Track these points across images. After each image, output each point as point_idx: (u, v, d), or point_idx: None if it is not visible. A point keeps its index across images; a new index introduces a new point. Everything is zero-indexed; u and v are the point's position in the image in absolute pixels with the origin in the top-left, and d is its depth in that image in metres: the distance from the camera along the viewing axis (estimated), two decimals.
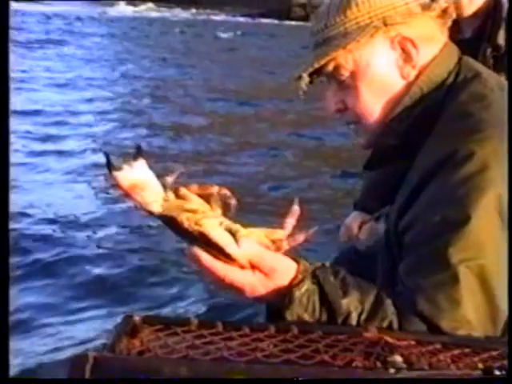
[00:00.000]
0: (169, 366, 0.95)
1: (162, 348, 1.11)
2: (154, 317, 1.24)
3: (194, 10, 33.38)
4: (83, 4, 32.30)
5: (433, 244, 1.47)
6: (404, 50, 1.61)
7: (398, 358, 1.01)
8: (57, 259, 4.64)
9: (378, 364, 1.06)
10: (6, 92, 1.51)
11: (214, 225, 1.30)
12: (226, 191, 1.32)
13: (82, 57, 15.25)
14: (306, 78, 1.62)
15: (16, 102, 9.71)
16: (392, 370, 0.95)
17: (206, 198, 1.33)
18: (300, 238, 1.37)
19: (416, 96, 1.62)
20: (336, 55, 1.60)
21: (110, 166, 1.28)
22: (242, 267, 1.32)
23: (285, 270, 1.37)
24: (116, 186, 1.30)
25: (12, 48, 15.51)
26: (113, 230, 5.28)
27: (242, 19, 30.09)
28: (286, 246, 1.36)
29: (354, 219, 2.48)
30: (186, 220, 1.29)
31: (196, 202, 1.32)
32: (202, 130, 9.08)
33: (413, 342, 1.16)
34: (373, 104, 1.64)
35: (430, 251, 1.47)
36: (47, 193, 6.13)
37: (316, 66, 1.61)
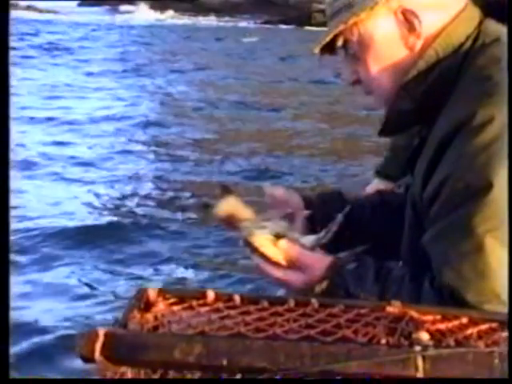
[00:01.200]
0: (183, 343, 0.90)
1: (176, 323, 1.06)
2: (168, 290, 1.19)
3: (214, 18, 33.50)
4: (105, 12, 32.30)
5: (456, 213, 1.43)
6: (407, 21, 1.57)
7: (424, 335, 0.96)
8: None
9: (403, 341, 1.01)
10: (6, 94, 1.48)
11: (262, 239, 1.63)
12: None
13: (103, 65, 15.16)
14: (318, 53, 1.64)
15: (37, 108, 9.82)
16: (418, 348, 0.89)
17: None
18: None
19: (431, 60, 1.58)
20: (342, 29, 1.60)
21: (205, 206, 1.87)
22: (287, 266, 1.60)
23: (316, 267, 1.58)
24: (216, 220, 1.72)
25: (34, 55, 15.61)
26: None
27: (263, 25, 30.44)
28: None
29: (375, 187, 2.43)
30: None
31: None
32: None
33: (438, 317, 1.10)
34: (381, 75, 1.62)
35: (454, 221, 1.43)
36: None
37: (324, 41, 1.62)
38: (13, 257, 4.37)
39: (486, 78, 1.51)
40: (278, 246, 1.60)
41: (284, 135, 9.06)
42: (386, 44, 1.60)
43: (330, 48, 1.65)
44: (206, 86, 13.07)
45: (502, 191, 1.40)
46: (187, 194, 6.22)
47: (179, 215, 5.61)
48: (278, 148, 8.24)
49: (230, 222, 1.70)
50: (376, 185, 2.46)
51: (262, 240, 1.62)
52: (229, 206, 1.71)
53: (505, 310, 1.32)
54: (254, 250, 1.63)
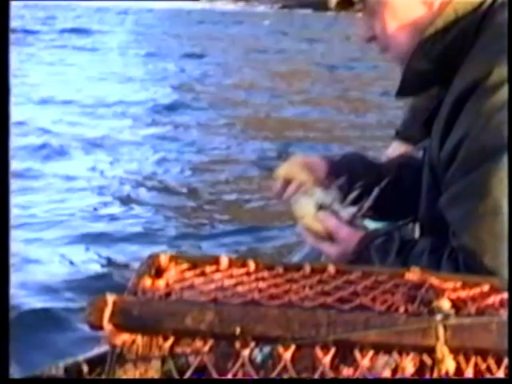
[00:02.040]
0: (195, 310, 0.87)
1: (188, 290, 1.03)
2: (181, 255, 1.16)
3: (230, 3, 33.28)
4: None
5: (473, 175, 1.39)
6: None
7: (446, 303, 0.92)
8: None
9: (423, 309, 0.98)
10: (6, 90, 1.44)
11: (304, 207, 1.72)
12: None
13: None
14: (334, 7, 1.65)
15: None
16: (439, 316, 0.86)
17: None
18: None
19: (450, 18, 1.53)
20: None
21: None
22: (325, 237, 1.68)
23: (348, 240, 1.64)
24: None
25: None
26: None
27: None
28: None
29: (395, 150, 2.39)
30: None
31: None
32: None
33: (459, 285, 1.07)
34: (398, 32, 1.58)
35: (470, 183, 1.40)
36: None
37: None
38: None
39: (504, 36, 1.46)
40: (317, 217, 1.69)
41: (297, 122, 9.05)
42: (404, 0, 1.56)
43: (347, 2, 1.61)
44: (222, 70, 13.04)
45: None
46: None
47: None
48: (290, 134, 8.24)
49: (287, 182, 1.81)
50: (395, 147, 2.42)
51: (305, 208, 1.72)
52: (289, 166, 1.84)
53: None
54: (297, 218, 1.74)
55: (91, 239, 5.01)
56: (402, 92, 1.67)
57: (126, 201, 5.90)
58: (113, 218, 5.51)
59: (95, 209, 5.69)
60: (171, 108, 9.77)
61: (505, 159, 1.36)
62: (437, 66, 1.57)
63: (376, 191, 1.70)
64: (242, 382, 0.91)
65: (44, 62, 12.68)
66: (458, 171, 1.44)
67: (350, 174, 1.78)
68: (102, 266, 4.63)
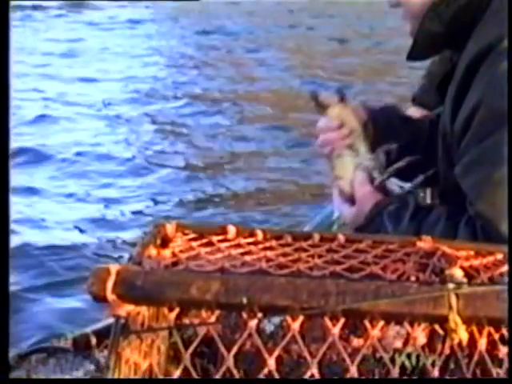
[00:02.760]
0: (200, 281, 0.85)
1: (195, 259, 1.01)
2: (187, 225, 1.13)
3: None
4: None
5: (487, 142, 1.36)
6: None
7: (458, 271, 0.90)
8: None
9: (435, 277, 0.95)
10: (5, 86, 1.41)
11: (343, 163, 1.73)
12: None
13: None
14: None
15: None
16: (451, 285, 0.83)
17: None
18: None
19: None
20: None
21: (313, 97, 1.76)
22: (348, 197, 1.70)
23: (365, 203, 1.63)
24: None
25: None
26: None
27: None
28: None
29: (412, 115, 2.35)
30: None
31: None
32: None
33: (472, 253, 1.04)
34: None
35: (484, 150, 1.36)
36: None
37: None
38: None
39: None
40: (352, 181, 1.69)
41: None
42: None
43: None
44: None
45: None
46: None
47: None
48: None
49: (338, 125, 1.74)
50: (412, 113, 2.38)
51: (345, 169, 1.72)
52: (341, 110, 1.76)
53: None
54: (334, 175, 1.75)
55: None
56: (413, 54, 1.63)
57: None
58: None
59: None
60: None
61: None
62: (449, 28, 1.53)
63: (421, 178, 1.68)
64: (241, 382, 0.89)
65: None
66: (473, 139, 1.41)
67: (387, 126, 1.74)
68: None
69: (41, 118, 7.33)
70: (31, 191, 5.18)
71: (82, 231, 4.55)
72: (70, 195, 5.20)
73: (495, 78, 1.37)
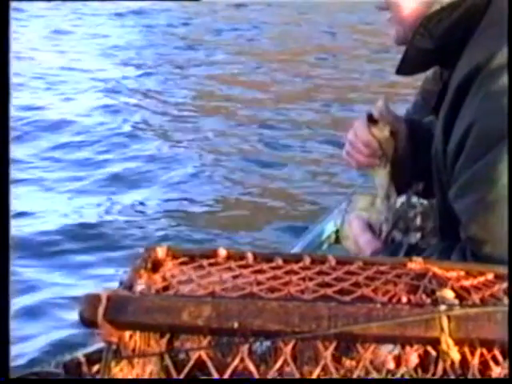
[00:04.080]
0: (191, 306, 0.85)
1: (186, 283, 1.01)
2: (178, 248, 1.13)
3: None
4: None
5: (480, 164, 1.35)
6: None
7: (449, 293, 0.90)
8: None
9: (426, 299, 0.95)
10: (6, 84, 1.41)
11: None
12: None
13: None
14: None
15: None
16: (442, 307, 0.83)
17: None
18: None
19: None
20: None
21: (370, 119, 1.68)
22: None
23: (364, 250, 1.67)
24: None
25: None
26: None
27: None
28: None
29: None
30: None
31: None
32: None
33: (463, 274, 1.04)
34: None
35: (477, 172, 1.35)
36: None
37: None
38: None
39: (506, 18, 1.41)
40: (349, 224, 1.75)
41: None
42: None
43: None
44: None
45: None
46: None
47: None
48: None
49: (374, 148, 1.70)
50: None
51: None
52: (386, 137, 1.70)
53: None
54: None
55: None
56: (402, 69, 1.62)
57: None
58: None
59: None
60: None
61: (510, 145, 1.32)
62: (440, 45, 1.51)
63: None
64: (241, 382, 0.88)
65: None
66: (466, 162, 1.38)
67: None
68: None
69: None
70: None
71: None
72: None
73: (486, 99, 1.36)
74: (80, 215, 5.24)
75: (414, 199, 1.75)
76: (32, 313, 3.67)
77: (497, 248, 1.32)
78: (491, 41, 1.41)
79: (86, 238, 4.86)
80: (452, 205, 1.42)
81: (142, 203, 5.55)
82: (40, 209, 5.30)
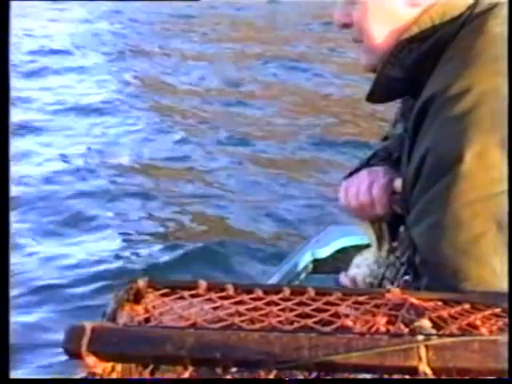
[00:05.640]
0: (174, 337, 0.86)
1: (167, 315, 1.02)
2: (159, 280, 1.15)
3: None
4: None
5: (435, 189, 1.37)
6: None
7: (426, 323, 0.92)
8: None
9: (404, 328, 0.97)
10: (5, 82, 1.43)
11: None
12: None
13: None
14: None
15: None
16: (420, 337, 0.85)
17: None
18: None
19: (426, 26, 1.49)
20: None
21: None
22: None
23: None
24: None
25: None
26: None
27: None
28: None
29: None
30: None
31: None
32: None
33: (440, 303, 1.06)
34: (376, 25, 1.54)
35: (433, 197, 1.37)
36: None
37: None
38: None
39: (466, 48, 1.45)
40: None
41: None
42: None
43: None
44: None
45: (478, 163, 1.33)
46: None
47: None
48: None
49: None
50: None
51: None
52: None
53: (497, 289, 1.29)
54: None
55: None
56: (372, 97, 1.64)
57: None
58: None
59: None
60: None
61: (462, 170, 1.34)
62: (410, 74, 1.54)
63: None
64: (240, 382, 0.89)
65: None
66: (422, 188, 1.42)
67: None
68: None
69: None
70: None
71: None
72: None
73: (441, 126, 1.38)
74: (58, 248, 5.23)
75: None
76: (14, 344, 3.65)
77: (448, 272, 1.34)
78: (449, 72, 1.43)
79: (67, 270, 4.85)
80: (410, 231, 1.44)
81: (122, 234, 5.54)
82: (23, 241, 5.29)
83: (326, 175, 6.69)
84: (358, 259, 1.72)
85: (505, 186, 1.31)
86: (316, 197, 6.26)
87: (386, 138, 2.01)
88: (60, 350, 0.85)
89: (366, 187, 1.61)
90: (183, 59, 10.84)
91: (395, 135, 1.84)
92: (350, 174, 1.72)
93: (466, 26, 1.49)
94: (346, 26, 1.59)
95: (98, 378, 0.85)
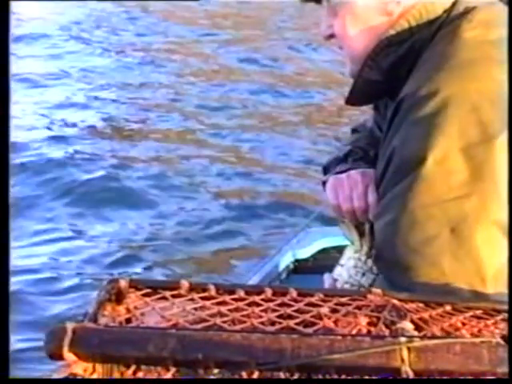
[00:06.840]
0: (156, 338, 0.86)
1: (149, 315, 1.02)
2: (141, 280, 1.14)
3: None
4: None
5: (397, 187, 1.40)
6: None
7: (408, 324, 0.92)
8: None
9: (386, 330, 0.97)
10: (5, 84, 1.41)
11: None
12: None
13: None
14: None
15: None
16: (402, 338, 0.85)
17: None
18: None
19: (403, 31, 1.51)
20: None
21: None
22: None
23: None
24: None
25: None
26: None
27: None
28: None
29: None
30: None
31: None
32: None
33: (421, 305, 1.07)
34: (354, 34, 1.56)
35: (394, 195, 1.40)
36: None
37: None
38: None
39: (439, 52, 1.46)
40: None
41: None
42: (366, 5, 1.54)
43: None
44: None
45: (438, 168, 1.35)
46: None
47: None
48: None
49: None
50: None
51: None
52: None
53: (454, 288, 1.32)
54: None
55: None
56: (350, 100, 1.65)
57: None
58: None
59: None
60: None
61: (422, 172, 1.35)
62: (387, 78, 1.56)
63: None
64: (240, 382, 0.89)
65: None
66: (387, 186, 1.44)
67: None
68: None
69: None
70: None
71: None
72: None
73: (408, 127, 1.40)
74: (42, 248, 5.20)
75: None
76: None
77: (399, 269, 1.36)
78: (421, 75, 1.45)
79: (47, 271, 4.83)
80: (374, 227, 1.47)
81: (105, 234, 5.52)
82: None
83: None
84: (343, 259, 1.72)
85: (463, 192, 1.33)
86: None
87: (354, 131, 2.02)
88: None
89: (362, 192, 1.59)
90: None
91: (367, 128, 1.86)
92: (328, 168, 1.73)
93: (441, 30, 1.50)
94: (331, 36, 1.62)
95: (79, 378, 0.85)
